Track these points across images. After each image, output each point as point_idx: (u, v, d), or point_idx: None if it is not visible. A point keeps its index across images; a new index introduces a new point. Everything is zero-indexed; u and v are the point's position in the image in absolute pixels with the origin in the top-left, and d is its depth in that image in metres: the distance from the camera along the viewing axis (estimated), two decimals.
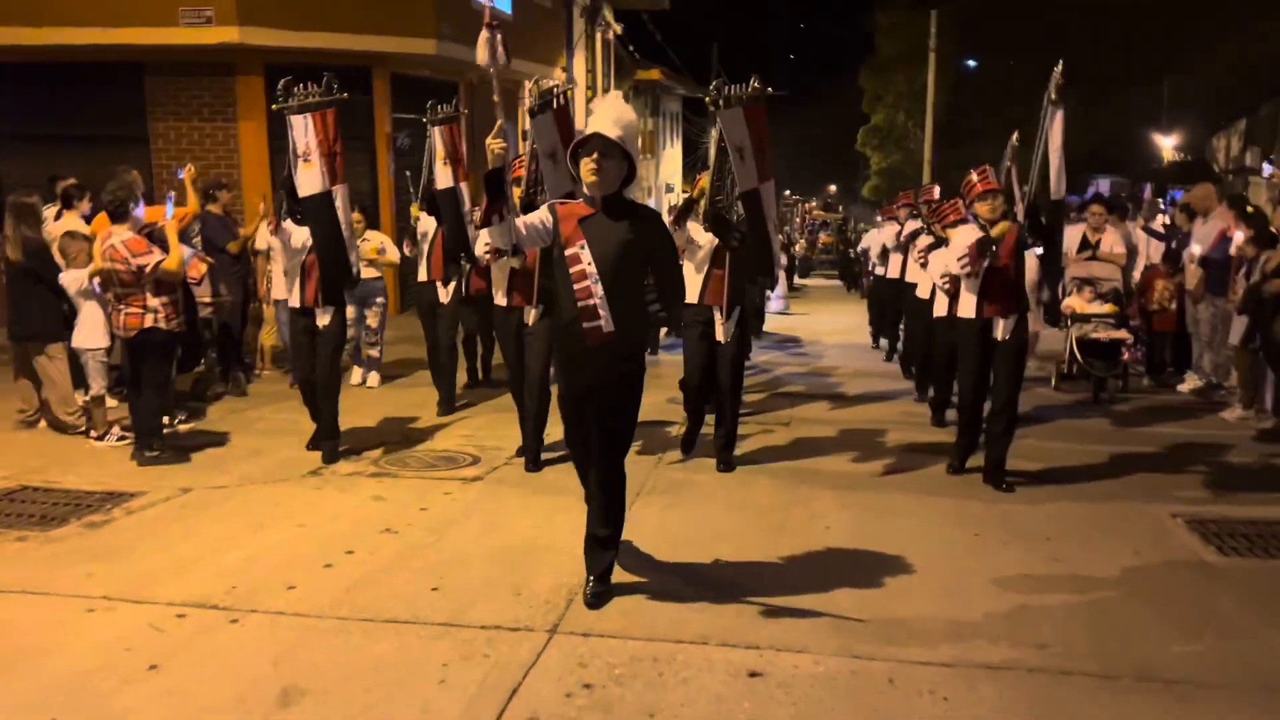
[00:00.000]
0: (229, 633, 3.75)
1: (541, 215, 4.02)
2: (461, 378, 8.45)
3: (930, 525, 5.09)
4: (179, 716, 3.15)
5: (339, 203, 6.03)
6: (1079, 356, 8.36)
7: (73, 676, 3.37)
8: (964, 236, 5.85)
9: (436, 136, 6.49)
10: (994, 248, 5.67)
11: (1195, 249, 8.53)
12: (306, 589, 4.15)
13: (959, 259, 5.77)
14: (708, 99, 6.01)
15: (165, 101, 11.94)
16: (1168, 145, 39.87)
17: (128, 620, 3.84)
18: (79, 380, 6.92)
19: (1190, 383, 8.76)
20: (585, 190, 3.97)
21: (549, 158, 5.68)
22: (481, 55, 4.53)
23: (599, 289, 3.84)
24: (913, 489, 5.79)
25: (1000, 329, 5.74)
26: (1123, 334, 8.43)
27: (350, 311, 7.76)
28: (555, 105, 5.77)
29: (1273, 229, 7.63)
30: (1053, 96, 5.68)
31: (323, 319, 6.24)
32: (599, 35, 18.97)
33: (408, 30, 12.13)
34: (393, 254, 8.81)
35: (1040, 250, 6.07)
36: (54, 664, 3.47)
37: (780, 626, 3.82)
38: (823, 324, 15.46)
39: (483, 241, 5.36)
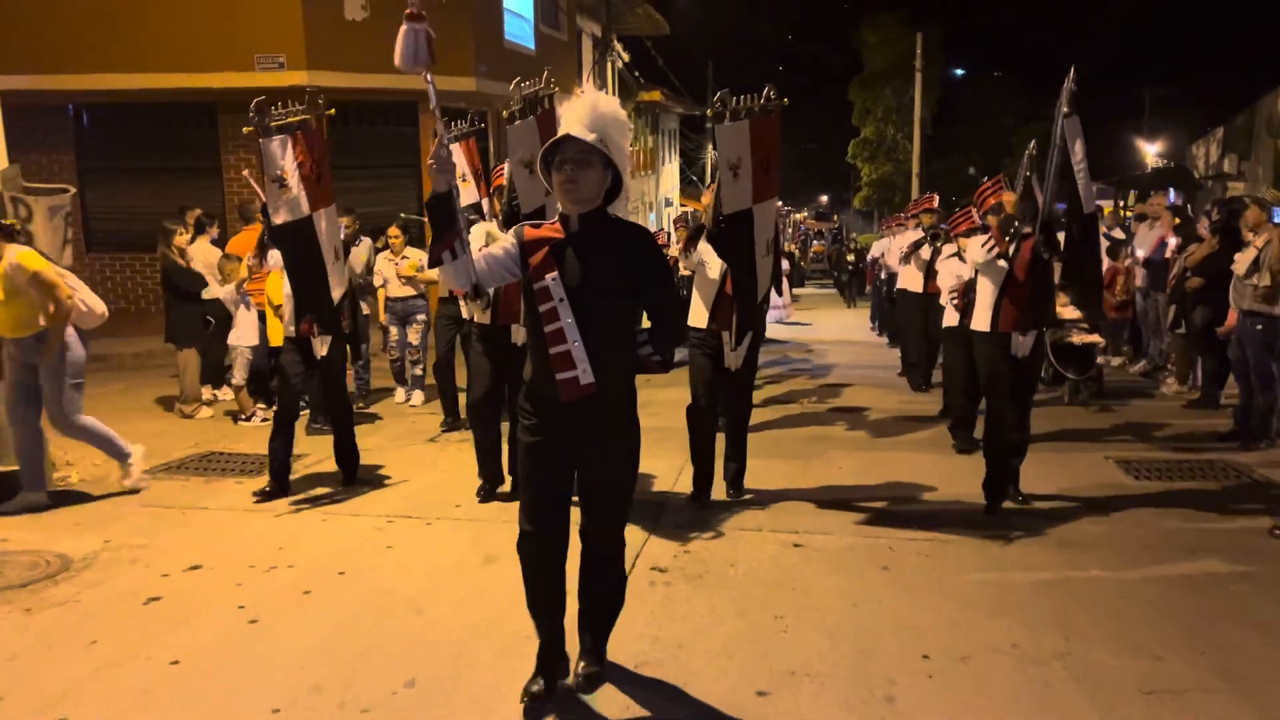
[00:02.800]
0: (429, 529, 5.46)
1: (505, 243, 3.39)
2: None
3: (922, 467, 6.80)
4: (416, 571, 4.82)
5: (323, 226, 5.89)
6: (1053, 362, 8.66)
7: (342, 552, 5.05)
8: (978, 242, 5.84)
9: (456, 153, 5.95)
10: (1014, 224, 5.63)
11: (1140, 252, 10.30)
12: (468, 507, 5.83)
13: (984, 245, 5.70)
14: (710, 111, 5.92)
15: (236, 136, 13.61)
16: (1151, 152, 41.86)
17: (359, 524, 5.54)
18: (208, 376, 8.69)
19: (1140, 365, 10.54)
20: (559, 207, 3.38)
21: (524, 166, 5.44)
22: (399, 56, 3.58)
23: (574, 332, 3.21)
24: (910, 447, 7.52)
25: (1019, 346, 5.66)
26: (1096, 338, 8.74)
27: (393, 332, 9.00)
28: (539, 110, 5.56)
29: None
30: (1065, 109, 5.44)
31: (320, 349, 6.10)
32: (609, 64, 20.74)
33: (450, 70, 13.83)
34: (432, 271, 9.76)
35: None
36: (328, 546, 5.14)
37: (810, 520, 5.55)
38: (826, 329, 17.14)
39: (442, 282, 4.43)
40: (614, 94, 22.39)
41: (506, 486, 6.00)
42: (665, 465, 6.55)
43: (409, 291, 8.88)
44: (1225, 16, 41.22)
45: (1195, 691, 3.56)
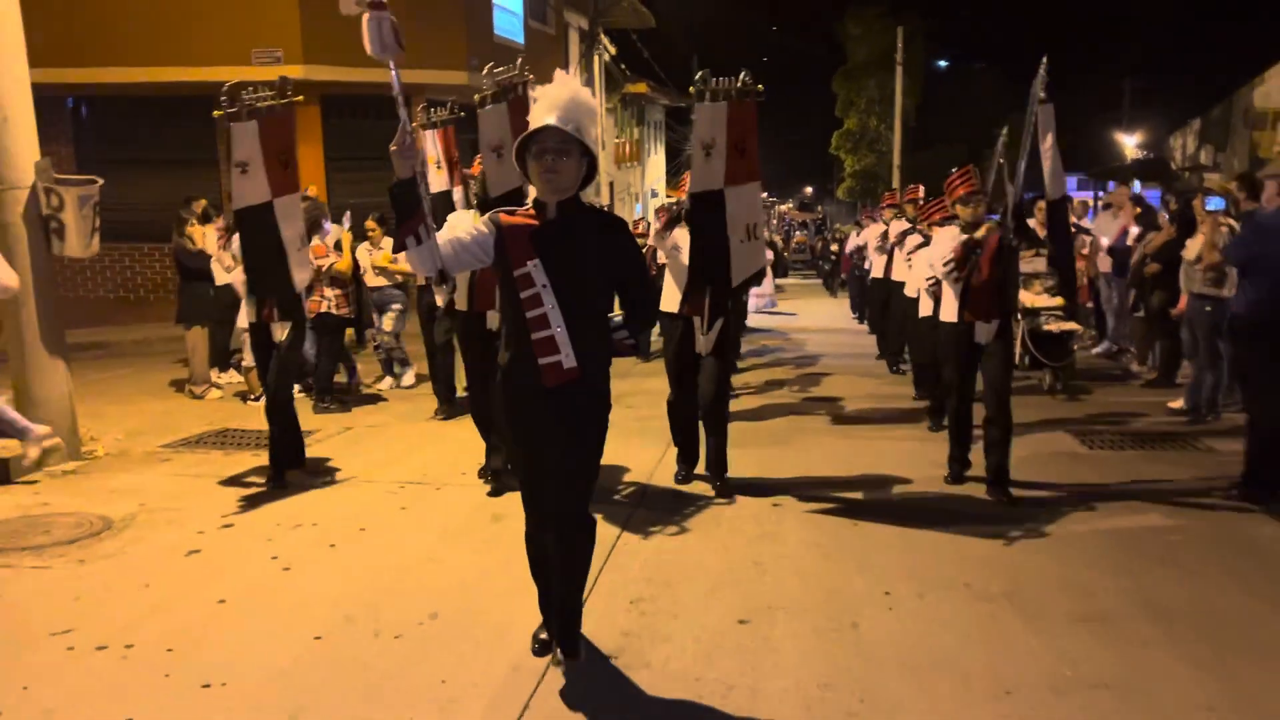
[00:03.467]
0: (439, 493, 5.96)
1: (477, 227, 3.42)
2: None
3: (897, 447, 7.34)
4: (430, 528, 5.31)
5: (286, 212, 5.91)
6: (1032, 349, 8.84)
7: (361, 512, 5.54)
8: (946, 238, 5.94)
9: (429, 141, 6.36)
10: (978, 250, 5.69)
11: (1104, 240, 10.87)
12: (474, 475, 6.32)
13: (943, 263, 5.79)
14: (691, 89, 5.70)
15: None
16: (1130, 144, 42.59)
17: (374, 489, 6.05)
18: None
19: (1102, 347, 11.13)
20: (538, 195, 3.44)
21: (493, 151, 5.52)
22: (369, 44, 3.64)
23: (558, 316, 3.32)
24: (887, 430, 8.07)
25: (982, 333, 5.79)
26: (1073, 326, 8.94)
27: (376, 321, 9.22)
28: (511, 97, 5.62)
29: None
30: (1041, 96, 5.54)
31: (279, 333, 6.12)
32: (596, 57, 21.20)
33: (443, 64, 14.31)
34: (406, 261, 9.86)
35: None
36: (347, 508, 5.63)
37: (788, 487, 6.07)
38: (810, 318, 17.65)
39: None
40: (600, 86, 22.90)
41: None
42: (648, 455, 6.72)
43: (383, 281, 9.16)
44: (1204, 9, 41.96)
45: (1119, 619, 4.10)
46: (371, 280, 9.17)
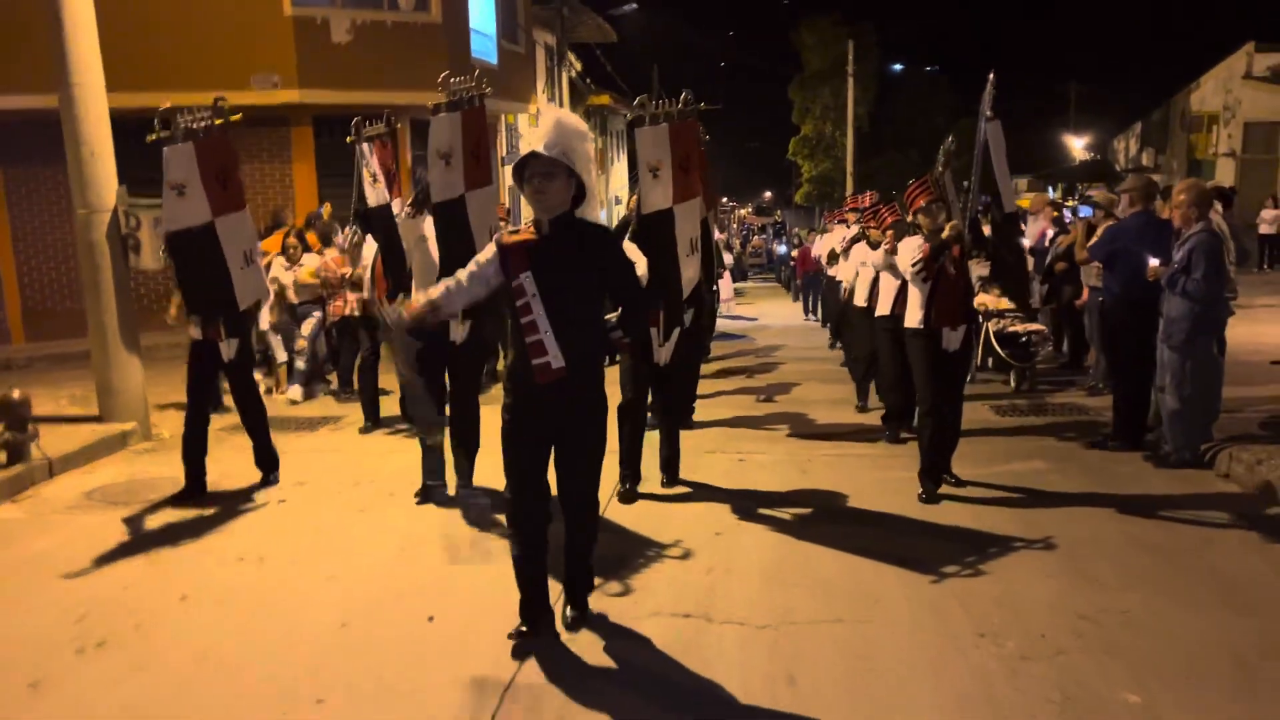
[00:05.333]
0: None
1: (476, 261, 4.00)
2: None
3: (833, 406, 8.85)
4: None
5: (230, 231, 6.04)
6: (999, 350, 9.39)
7: (404, 471, 6.92)
8: (910, 247, 6.07)
9: (367, 152, 6.28)
10: (948, 250, 5.84)
11: (1026, 242, 12.48)
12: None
13: (913, 264, 5.92)
14: (630, 115, 5.89)
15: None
16: (1078, 146, 44.73)
17: (402, 458, 7.41)
18: None
19: None
20: (533, 214, 3.92)
21: (442, 159, 5.62)
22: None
23: (545, 323, 3.78)
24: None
25: (950, 340, 6.00)
26: (1038, 326, 9.59)
27: (305, 327, 9.42)
28: (467, 108, 5.71)
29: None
30: (988, 113, 5.76)
31: (227, 352, 6.25)
32: (563, 73, 22.65)
33: (425, 85, 15.49)
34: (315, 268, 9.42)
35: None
36: (391, 468, 7.00)
37: (749, 442, 7.54)
38: (771, 318, 19.14)
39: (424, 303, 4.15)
40: (566, 99, 24.33)
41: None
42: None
43: (305, 296, 9.56)
44: (1145, 15, 44.21)
45: (992, 520, 5.63)
46: (293, 297, 9.69)
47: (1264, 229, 14.81)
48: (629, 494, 6.17)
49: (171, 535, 5.72)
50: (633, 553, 5.22)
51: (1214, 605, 4.45)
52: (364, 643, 4.23)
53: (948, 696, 3.70)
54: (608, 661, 4.06)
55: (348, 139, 6.35)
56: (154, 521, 5.98)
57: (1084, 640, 4.10)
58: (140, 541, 5.65)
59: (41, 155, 12.90)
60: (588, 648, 4.15)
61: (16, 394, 6.55)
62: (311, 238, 10.53)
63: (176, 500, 6.28)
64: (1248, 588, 4.65)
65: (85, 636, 4.33)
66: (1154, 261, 6.50)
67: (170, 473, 6.93)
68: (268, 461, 6.71)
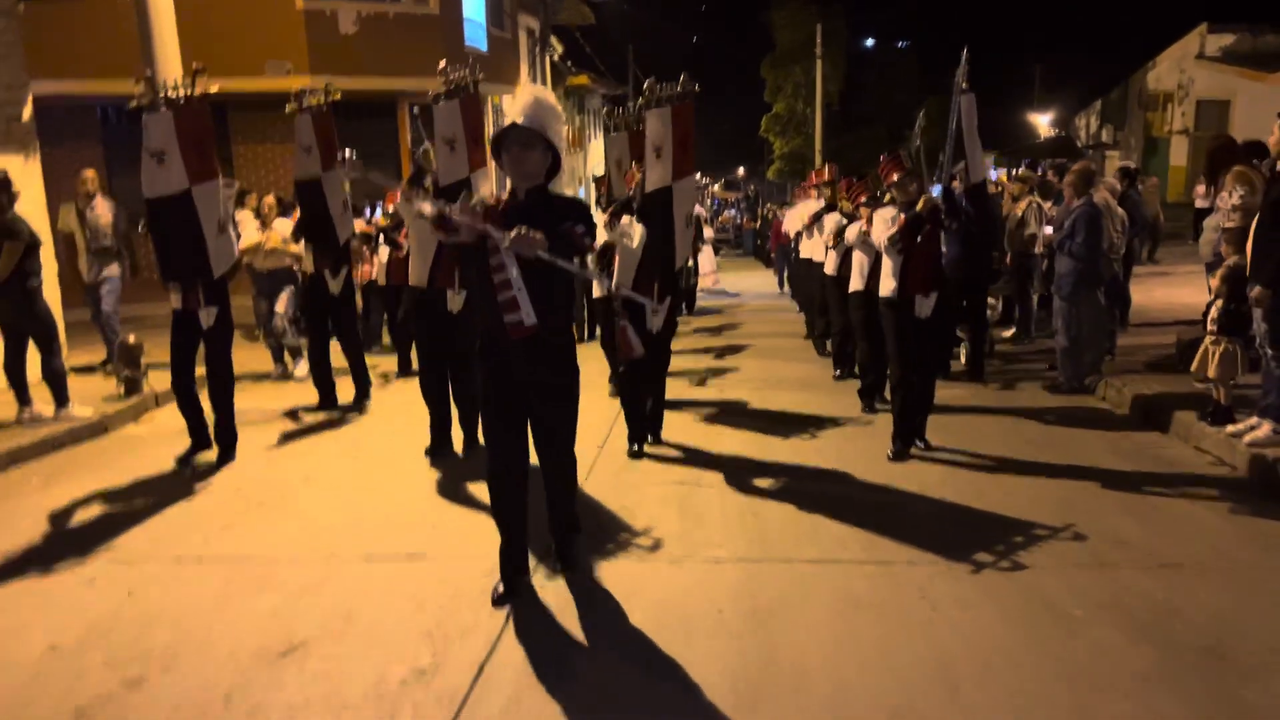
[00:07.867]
0: None
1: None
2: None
3: (806, 367, 10.56)
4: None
5: (205, 199, 6.18)
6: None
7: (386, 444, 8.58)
8: (883, 217, 6.30)
9: (309, 124, 6.91)
10: (924, 224, 6.02)
11: None
12: None
13: (888, 236, 6.12)
14: (641, 99, 6.36)
15: (245, 130, 16.83)
16: (1044, 123, 46.44)
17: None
18: None
19: None
20: (511, 183, 4.10)
21: (447, 144, 6.06)
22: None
23: (520, 280, 3.93)
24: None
25: (922, 307, 6.21)
26: (990, 299, 10.26)
27: (280, 304, 9.36)
28: (464, 95, 6.18)
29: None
30: (963, 85, 6.05)
31: (206, 319, 6.43)
32: (545, 56, 24.21)
33: (425, 72, 17.00)
34: (297, 245, 8.86)
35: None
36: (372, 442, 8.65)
37: (725, 414, 9.27)
38: (747, 289, 20.71)
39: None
40: (548, 81, 25.84)
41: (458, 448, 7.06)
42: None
43: (274, 264, 9.39)
44: None
45: (956, 459, 6.89)
46: (261, 263, 9.46)
47: (1199, 203, 16.40)
48: (637, 454, 6.83)
49: (287, 436, 7.44)
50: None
51: (1052, 457, 6.45)
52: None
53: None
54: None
55: (287, 107, 7.18)
56: (259, 434, 7.63)
57: (981, 500, 5.84)
58: (251, 445, 7.25)
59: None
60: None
61: (132, 338, 8.18)
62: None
63: (183, 461, 6.65)
64: (1079, 450, 6.63)
65: (248, 500, 6.08)
66: (1047, 230, 8.28)
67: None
68: (227, 436, 6.78)
